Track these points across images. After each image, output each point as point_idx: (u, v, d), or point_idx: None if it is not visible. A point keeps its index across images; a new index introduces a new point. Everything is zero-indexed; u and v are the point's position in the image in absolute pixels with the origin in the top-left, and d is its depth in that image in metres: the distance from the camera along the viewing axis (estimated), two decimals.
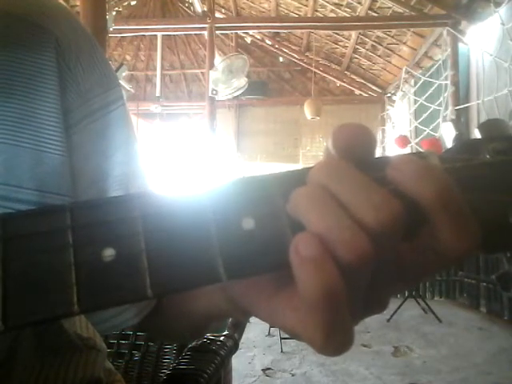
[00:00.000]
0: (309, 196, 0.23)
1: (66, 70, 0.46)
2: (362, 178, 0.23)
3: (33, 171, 0.42)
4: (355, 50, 8.39)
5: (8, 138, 0.41)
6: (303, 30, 8.19)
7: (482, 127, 0.25)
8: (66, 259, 0.22)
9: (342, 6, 7.30)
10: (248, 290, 0.28)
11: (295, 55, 9.47)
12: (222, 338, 0.75)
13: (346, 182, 0.23)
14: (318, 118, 7.71)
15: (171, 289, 0.22)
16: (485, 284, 4.62)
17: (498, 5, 4.78)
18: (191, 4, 8.45)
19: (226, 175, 8.23)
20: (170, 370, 0.68)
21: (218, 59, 6.31)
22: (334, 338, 0.23)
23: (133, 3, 8.80)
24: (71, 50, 0.47)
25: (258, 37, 9.47)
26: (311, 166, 0.25)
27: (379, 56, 8.22)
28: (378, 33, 7.51)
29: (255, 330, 4.01)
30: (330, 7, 7.46)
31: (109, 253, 0.22)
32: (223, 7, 8.99)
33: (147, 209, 0.23)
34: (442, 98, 5.89)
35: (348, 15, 7.32)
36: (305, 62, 9.36)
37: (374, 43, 7.90)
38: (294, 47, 9.40)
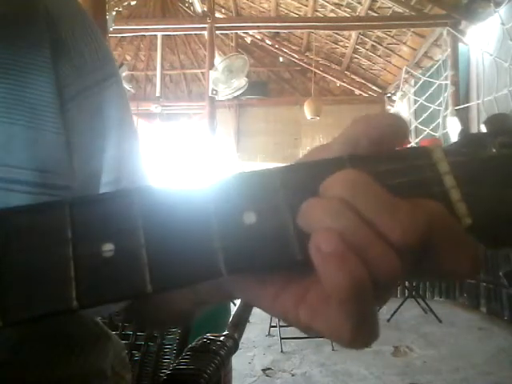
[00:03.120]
0: (327, 209, 0.22)
1: (57, 40, 0.44)
2: (384, 194, 0.22)
3: (31, 150, 0.41)
4: (355, 50, 8.39)
5: (2, 116, 0.40)
6: (303, 30, 8.19)
7: (488, 121, 0.25)
8: (65, 254, 0.21)
9: (342, 5, 7.30)
10: (250, 286, 0.27)
11: (295, 55, 9.47)
12: (221, 338, 0.75)
13: (368, 198, 0.22)
14: (318, 117, 7.70)
15: (171, 284, 0.22)
16: (485, 284, 4.61)
17: (498, 5, 4.78)
18: (191, 4, 8.45)
19: (226, 175, 8.21)
20: (170, 370, 0.68)
21: (218, 59, 6.31)
22: (363, 330, 0.22)
23: (133, 3, 8.79)
24: (63, 20, 0.45)
25: (258, 37, 9.47)
26: (312, 161, 0.25)
27: (379, 56, 8.22)
28: (378, 33, 7.50)
29: (255, 330, 4.00)
30: (330, 7, 7.46)
31: (108, 248, 0.22)
32: (223, 7, 9.00)
33: (147, 203, 0.23)
34: (442, 98, 5.89)
35: (348, 15, 7.31)
36: (305, 62, 9.36)
37: (374, 43, 7.89)
38: (294, 47, 9.40)
